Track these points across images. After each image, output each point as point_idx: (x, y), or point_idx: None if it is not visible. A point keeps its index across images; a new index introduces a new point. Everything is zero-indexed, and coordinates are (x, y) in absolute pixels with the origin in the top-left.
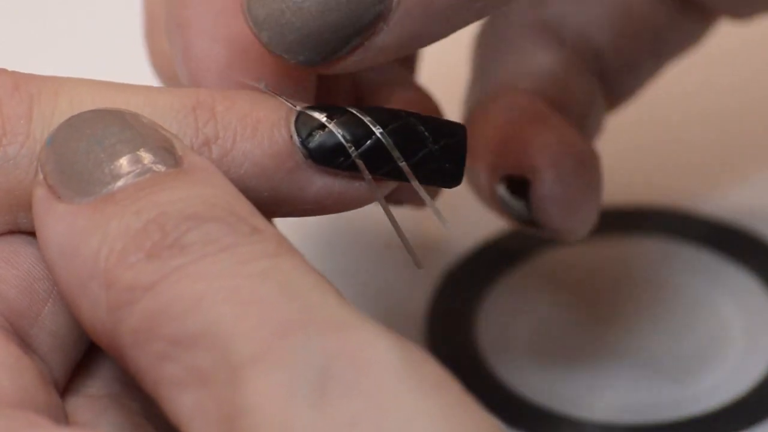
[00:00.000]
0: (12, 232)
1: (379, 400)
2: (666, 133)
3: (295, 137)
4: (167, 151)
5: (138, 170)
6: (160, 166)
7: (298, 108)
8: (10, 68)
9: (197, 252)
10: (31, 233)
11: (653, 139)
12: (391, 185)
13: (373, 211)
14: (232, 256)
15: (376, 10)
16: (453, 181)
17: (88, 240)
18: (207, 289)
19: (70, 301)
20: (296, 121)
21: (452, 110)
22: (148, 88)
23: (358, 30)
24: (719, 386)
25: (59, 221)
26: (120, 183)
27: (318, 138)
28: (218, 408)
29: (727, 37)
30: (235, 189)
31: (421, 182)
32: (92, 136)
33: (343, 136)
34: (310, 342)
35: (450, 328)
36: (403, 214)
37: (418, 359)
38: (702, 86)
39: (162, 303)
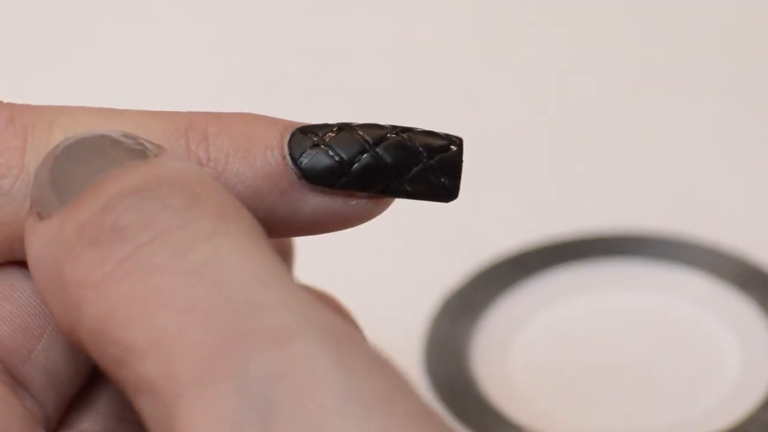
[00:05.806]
0: (9, 263)
1: (322, 425)
2: (664, 160)
3: (288, 158)
4: (141, 153)
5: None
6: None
7: (291, 128)
8: (7, 93)
9: (133, 240)
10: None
11: (651, 166)
12: (388, 202)
13: (369, 237)
14: (166, 245)
15: None
16: (449, 195)
17: (50, 246)
18: (148, 293)
19: (49, 312)
20: (289, 142)
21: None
22: (140, 113)
23: None
24: (716, 413)
25: (37, 238)
26: (86, 187)
27: (311, 157)
28: (166, 421)
29: (721, 63)
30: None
31: (417, 197)
32: (68, 157)
33: (337, 155)
34: (250, 363)
35: (447, 355)
36: (402, 240)
37: (362, 373)
38: (699, 113)
39: (109, 306)
